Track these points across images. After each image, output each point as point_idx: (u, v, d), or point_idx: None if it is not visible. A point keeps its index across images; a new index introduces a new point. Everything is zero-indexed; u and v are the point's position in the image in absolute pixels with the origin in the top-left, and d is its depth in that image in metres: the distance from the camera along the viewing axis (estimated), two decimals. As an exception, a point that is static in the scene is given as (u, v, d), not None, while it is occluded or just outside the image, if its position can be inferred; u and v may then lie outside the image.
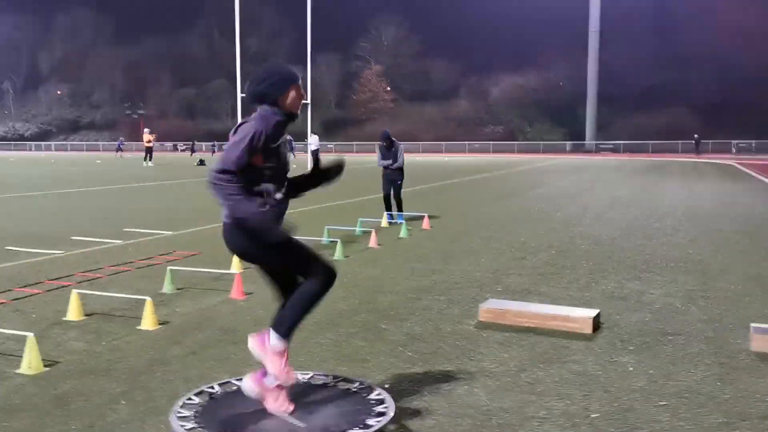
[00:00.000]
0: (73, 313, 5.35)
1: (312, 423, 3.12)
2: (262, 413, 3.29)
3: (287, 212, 3.38)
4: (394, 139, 11.76)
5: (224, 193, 2.95)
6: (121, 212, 13.45)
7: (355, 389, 3.61)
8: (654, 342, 4.88)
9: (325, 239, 9.09)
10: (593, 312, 5.32)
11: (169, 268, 6.58)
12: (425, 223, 11.11)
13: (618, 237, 9.91)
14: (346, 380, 3.76)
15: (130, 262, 7.79)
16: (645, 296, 6.26)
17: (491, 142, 70.07)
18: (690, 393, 3.90)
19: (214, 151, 51.32)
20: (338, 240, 8.63)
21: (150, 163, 34.95)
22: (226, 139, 3.21)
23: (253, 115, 3.20)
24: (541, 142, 68.13)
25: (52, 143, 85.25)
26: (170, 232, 10.28)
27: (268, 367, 3.22)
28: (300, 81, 3.30)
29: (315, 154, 32.94)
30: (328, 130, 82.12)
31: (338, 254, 8.19)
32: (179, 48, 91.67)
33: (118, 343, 4.78)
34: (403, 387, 3.96)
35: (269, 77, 3.20)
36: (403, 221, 10.95)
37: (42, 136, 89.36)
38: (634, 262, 7.97)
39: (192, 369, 4.26)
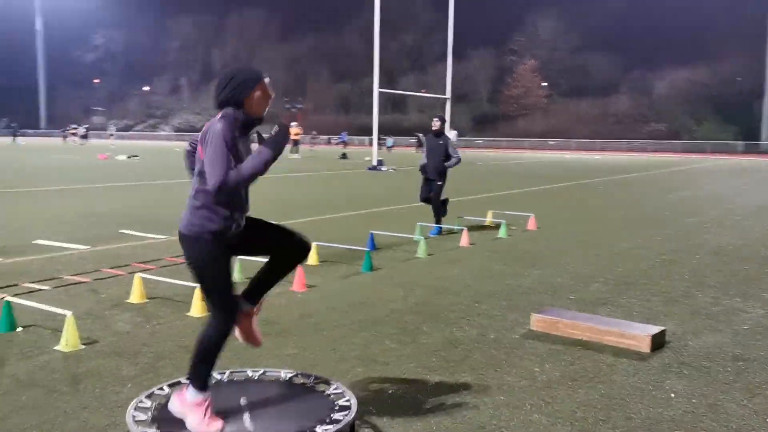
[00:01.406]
0: (135, 296, 5.64)
1: (263, 423, 3.03)
2: (237, 416, 3.16)
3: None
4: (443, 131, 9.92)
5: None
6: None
7: (310, 384, 3.43)
8: (718, 367, 4.33)
9: (416, 236, 8.95)
10: (656, 329, 4.81)
11: (238, 258, 6.77)
12: (531, 224, 10.65)
13: (743, 247, 8.95)
14: (302, 375, 3.58)
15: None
16: (737, 315, 5.59)
17: (651, 141, 66.08)
18: (726, 428, 3.40)
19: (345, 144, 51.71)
20: (422, 238, 8.47)
21: (297, 155, 36.41)
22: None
23: (217, 117, 3.03)
24: (709, 142, 63.24)
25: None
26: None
27: (188, 422, 3.00)
28: (266, 78, 3.12)
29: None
30: (479, 125, 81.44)
31: (421, 252, 8.04)
32: (338, 44, 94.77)
33: (160, 328, 4.97)
34: (407, 394, 3.79)
35: (230, 82, 3.04)
36: (438, 233, 9.55)
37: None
38: (746, 276, 7.15)
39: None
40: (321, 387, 3.36)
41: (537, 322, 5.12)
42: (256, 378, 3.50)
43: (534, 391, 3.89)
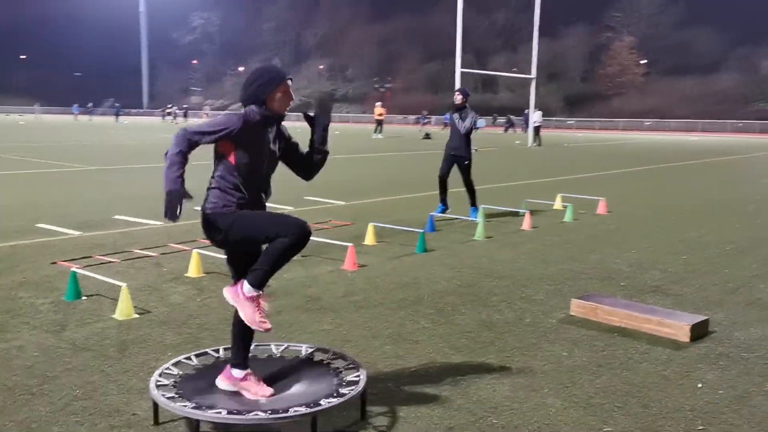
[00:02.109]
0: (193, 270, 5.97)
1: (283, 394, 3.20)
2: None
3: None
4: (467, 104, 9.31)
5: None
6: (314, 181, 14.37)
7: (325, 359, 3.57)
8: (756, 359, 4.20)
9: (476, 218, 8.96)
10: (698, 318, 4.70)
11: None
12: (601, 208, 10.42)
13: (825, 236, 8.47)
14: (321, 351, 3.72)
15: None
16: (796, 308, 5.36)
17: (759, 122, 62.40)
18: (747, 420, 3.33)
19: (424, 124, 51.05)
20: (478, 221, 8.48)
21: (380, 135, 36.67)
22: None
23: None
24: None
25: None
26: (342, 203, 10.83)
27: (240, 313, 3.19)
28: (288, 80, 3.28)
29: (537, 130, 32.25)
30: (571, 105, 79.21)
31: (479, 235, 8.06)
32: (428, 23, 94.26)
33: (209, 301, 5.26)
34: (428, 372, 3.89)
35: (256, 80, 3.24)
36: (477, 218, 8.78)
37: (301, 107, 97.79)
38: (819, 267, 6.80)
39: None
40: (336, 362, 3.51)
41: (576, 307, 5.10)
42: (277, 354, 3.68)
43: (556, 375, 3.91)
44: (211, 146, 3.23)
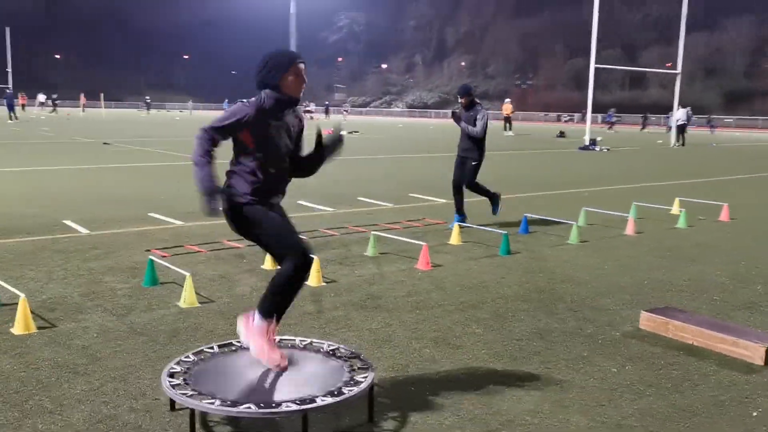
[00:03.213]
0: (269, 263, 6.15)
1: (282, 387, 3.21)
2: (254, 377, 3.31)
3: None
4: (477, 100, 8.56)
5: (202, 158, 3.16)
6: (424, 178, 14.30)
7: (342, 356, 3.54)
8: (839, 393, 3.71)
9: (579, 222, 8.55)
10: (780, 341, 4.22)
11: (372, 232, 7.05)
12: (724, 214, 9.63)
13: None
14: (344, 348, 3.68)
15: (372, 225, 8.45)
16: None
17: None
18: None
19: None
20: (575, 224, 8.08)
21: (510, 132, 35.97)
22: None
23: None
24: None
25: (439, 111, 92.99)
26: (443, 200, 10.73)
27: (250, 347, 3.27)
28: (299, 63, 3.29)
29: (682, 129, 30.23)
30: (731, 102, 73.68)
31: (573, 238, 7.70)
32: (574, 18, 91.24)
33: (273, 293, 5.39)
34: (457, 378, 3.77)
35: (267, 64, 3.28)
36: (458, 223, 7.98)
37: (441, 104, 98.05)
38: None
39: (303, 326, 4.63)
40: (351, 361, 3.48)
41: (645, 321, 4.74)
42: (301, 346, 3.70)
43: (594, 392, 3.66)
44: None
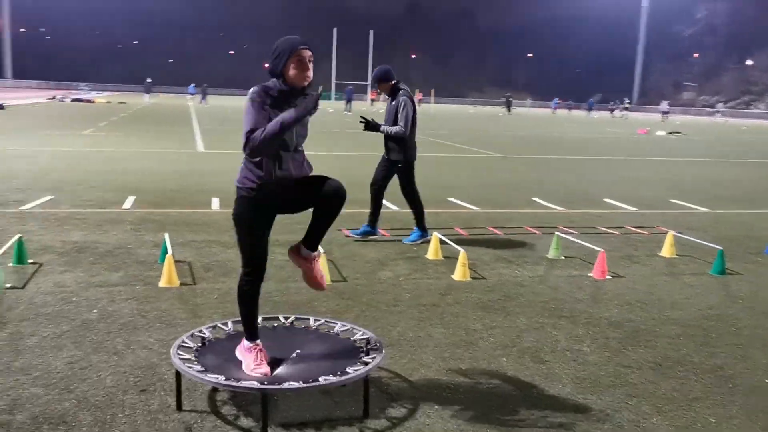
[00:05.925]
0: (431, 253, 6.16)
1: (304, 365, 3.27)
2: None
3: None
4: (401, 86, 6.58)
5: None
6: (691, 181, 12.63)
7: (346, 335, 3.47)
8: None
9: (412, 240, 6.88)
10: None
11: (556, 233, 6.56)
12: None
13: None
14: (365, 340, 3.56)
15: (587, 228, 7.83)
16: None
17: None
18: None
19: None
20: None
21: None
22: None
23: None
24: None
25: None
26: (704, 209, 9.39)
27: (243, 364, 3.32)
28: (301, 50, 3.13)
29: None
30: None
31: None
32: (731, 9, 70.75)
33: (424, 283, 5.40)
34: (519, 396, 3.44)
35: (273, 53, 3.17)
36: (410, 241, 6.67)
37: None
38: None
39: (386, 318, 4.60)
40: (371, 356, 3.37)
41: None
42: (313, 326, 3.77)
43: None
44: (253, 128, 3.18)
